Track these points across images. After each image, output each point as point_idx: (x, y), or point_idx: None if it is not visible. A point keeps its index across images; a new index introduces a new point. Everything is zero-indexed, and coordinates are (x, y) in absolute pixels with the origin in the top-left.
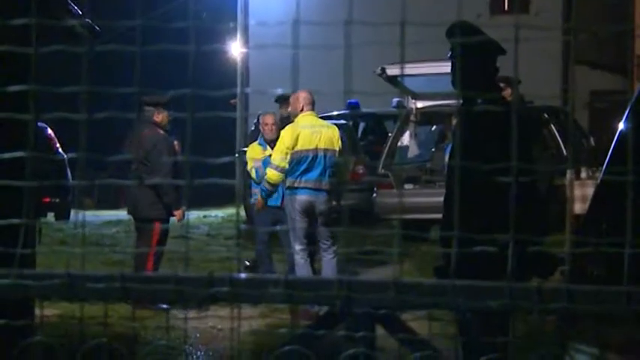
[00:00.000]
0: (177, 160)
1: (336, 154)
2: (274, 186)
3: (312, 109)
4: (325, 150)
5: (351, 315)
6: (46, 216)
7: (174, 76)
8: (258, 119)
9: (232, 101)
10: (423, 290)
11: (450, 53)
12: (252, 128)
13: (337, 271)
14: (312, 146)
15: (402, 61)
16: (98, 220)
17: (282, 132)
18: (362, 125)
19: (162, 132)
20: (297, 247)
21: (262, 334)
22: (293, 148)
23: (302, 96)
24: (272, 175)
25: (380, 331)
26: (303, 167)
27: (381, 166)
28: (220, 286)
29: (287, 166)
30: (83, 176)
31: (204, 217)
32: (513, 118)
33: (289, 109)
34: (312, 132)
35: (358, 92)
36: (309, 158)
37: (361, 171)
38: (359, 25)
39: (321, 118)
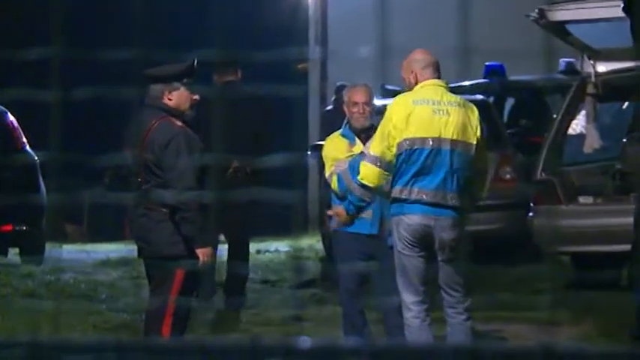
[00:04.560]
0: (206, 166)
1: (472, 151)
2: (372, 192)
3: (437, 76)
4: (454, 142)
5: None
6: (6, 254)
7: (201, 33)
8: (339, 94)
9: (301, 66)
10: None
11: None
12: (330, 107)
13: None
14: (433, 134)
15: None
16: (89, 260)
17: (390, 107)
18: (510, 102)
19: (178, 123)
20: (409, 298)
21: None
22: (402, 134)
23: (417, 57)
24: (369, 173)
25: None
26: (415, 168)
27: (540, 167)
28: (272, 356)
29: (393, 160)
30: (63, 188)
31: (258, 252)
32: None
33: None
34: (434, 111)
35: (485, 49)
36: (427, 153)
37: (509, 176)
38: None
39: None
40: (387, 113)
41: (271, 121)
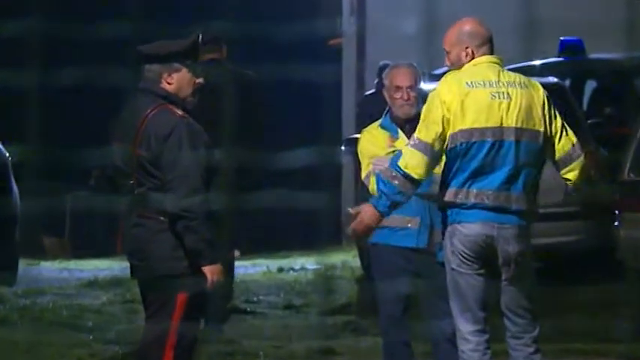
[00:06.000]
0: (216, 165)
1: (540, 140)
2: (414, 185)
3: (490, 52)
4: (519, 132)
5: None
6: None
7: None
8: (380, 77)
9: (333, 42)
10: None
11: None
12: (372, 92)
13: None
14: (493, 123)
15: None
16: (72, 280)
17: (439, 88)
18: (591, 86)
19: (179, 112)
20: (466, 326)
21: None
22: (456, 121)
23: (471, 30)
24: (415, 161)
25: None
26: (473, 166)
27: (628, 165)
28: None
29: (443, 151)
30: (40, 192)
31: (280, 271)
32: None
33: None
34: (492, 95)
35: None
36: (487, 148)
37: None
38: None
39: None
40: (435, 95)
41: (261, 108)
